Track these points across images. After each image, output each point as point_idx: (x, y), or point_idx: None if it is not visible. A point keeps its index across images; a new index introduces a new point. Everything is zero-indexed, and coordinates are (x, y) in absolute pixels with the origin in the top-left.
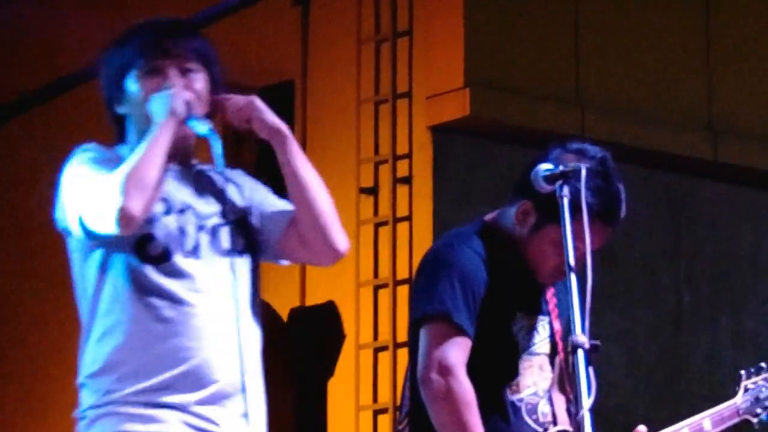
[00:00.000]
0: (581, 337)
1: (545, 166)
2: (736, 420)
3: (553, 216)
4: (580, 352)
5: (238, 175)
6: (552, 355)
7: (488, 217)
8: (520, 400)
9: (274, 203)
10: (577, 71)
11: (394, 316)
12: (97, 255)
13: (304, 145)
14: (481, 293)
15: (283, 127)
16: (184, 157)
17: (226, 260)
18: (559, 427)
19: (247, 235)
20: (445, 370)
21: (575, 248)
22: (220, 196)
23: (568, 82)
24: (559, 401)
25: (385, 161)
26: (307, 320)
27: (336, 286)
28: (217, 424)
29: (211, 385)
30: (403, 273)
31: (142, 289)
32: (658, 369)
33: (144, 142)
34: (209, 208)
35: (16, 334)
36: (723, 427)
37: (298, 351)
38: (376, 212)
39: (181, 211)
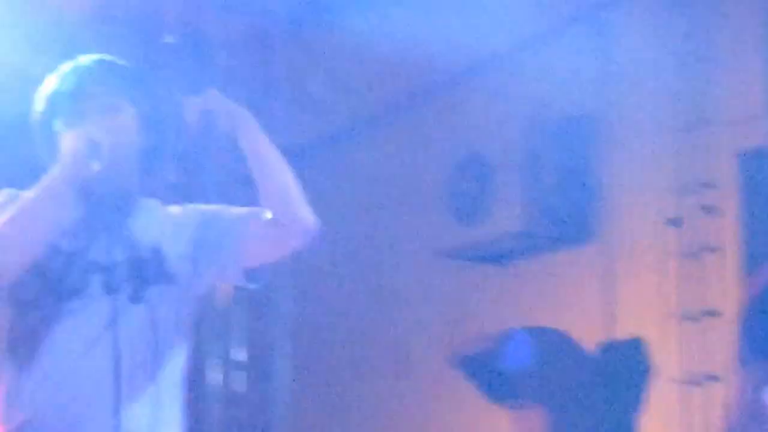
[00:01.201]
0: None
1: None
2: None
3: None
4: None
5: (172, 209)
6: None
7: None
8: None
9: (229, 217)
10: None
11: (704, 353)
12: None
13: (606, 175)
14: None
15: (240, 109)
16: (96, 193)
17: (118, 297)
18: None
19: (155, 270)
20: None
21: None
22: (131, 232)
23: None
24: None
25: (690, 191)
26: (614, 354)
27: (642, 319)
28: None
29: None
30: (712, 305)
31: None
32: None
33: (31, 193)
34: (108, 246)
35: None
36: None
37: (609, 390)
38: (681, 243)
39: (72, 251)
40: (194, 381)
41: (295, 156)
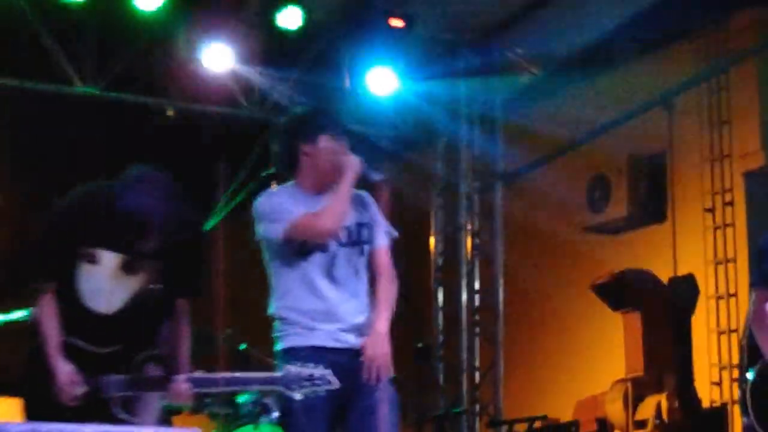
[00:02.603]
0: None
1: None
2: None
3: None
4: None
5: (370, 202)
6: None
7: None
8: None
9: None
10: None
11: (726, 282)
12: (287, 251)
13: (674, 203)
14: None
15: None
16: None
17: (354, 251)
18: None
19: (363, 236)
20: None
21: None
22: (352, 213)
23: None
24: None
25: (718, 191)
26: (679, 284)
27: (693, 264)
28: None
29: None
30: (731, 256)
31: (301, 270)
32: None
33: (339, 189)
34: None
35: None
36: None
37: (674, 303)
38: (714, 222)
39: None
40: (451, 319)
41: (508, 177)
